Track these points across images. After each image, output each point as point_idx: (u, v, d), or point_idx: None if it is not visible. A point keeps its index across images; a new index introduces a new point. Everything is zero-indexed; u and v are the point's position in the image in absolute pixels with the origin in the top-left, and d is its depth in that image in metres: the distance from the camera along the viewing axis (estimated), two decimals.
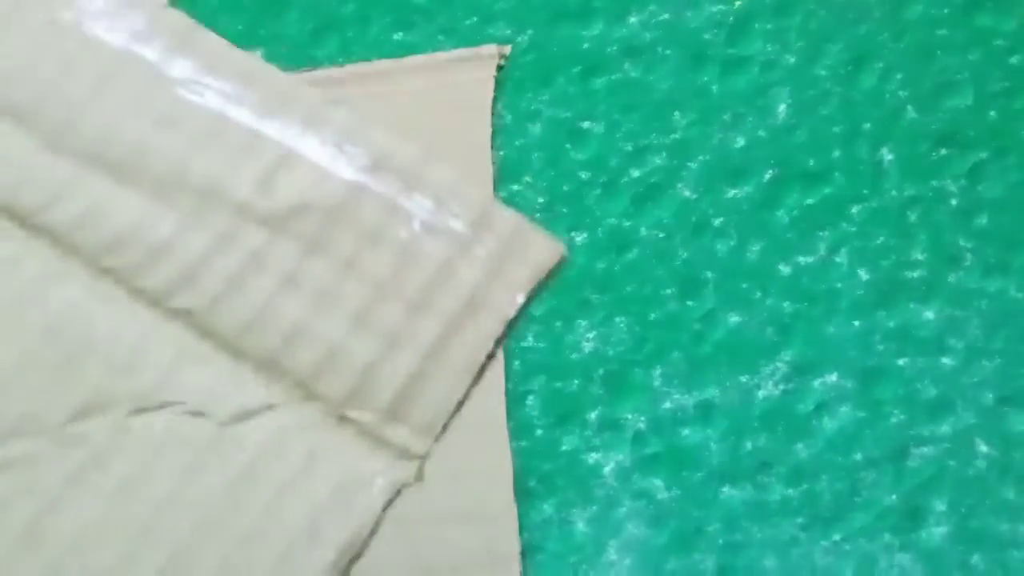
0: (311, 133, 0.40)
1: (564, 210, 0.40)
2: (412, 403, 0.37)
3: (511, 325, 0.38)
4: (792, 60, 0.42)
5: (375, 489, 0.36)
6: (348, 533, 0.35)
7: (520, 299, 0.38)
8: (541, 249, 0.39)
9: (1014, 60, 0.41)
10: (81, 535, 0.35)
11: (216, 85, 0.40)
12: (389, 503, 0.36)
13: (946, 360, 0.38)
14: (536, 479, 0.37)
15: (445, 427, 0.37)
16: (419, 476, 0.36)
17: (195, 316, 0.37)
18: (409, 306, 0.38)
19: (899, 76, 0.41)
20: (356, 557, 0.35)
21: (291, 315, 0.38)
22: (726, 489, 0.37)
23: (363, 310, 0.38)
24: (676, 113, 0.41)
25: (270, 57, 0.42)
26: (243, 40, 0.43)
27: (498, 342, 0.38)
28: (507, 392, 0.38)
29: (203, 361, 0.37)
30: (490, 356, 0.38)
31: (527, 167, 0.41)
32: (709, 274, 0.39)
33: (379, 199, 0.39)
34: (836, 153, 0.40)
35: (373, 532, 0.36)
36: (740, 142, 0.41)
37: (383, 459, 0.36)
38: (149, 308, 0.38)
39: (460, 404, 0.37)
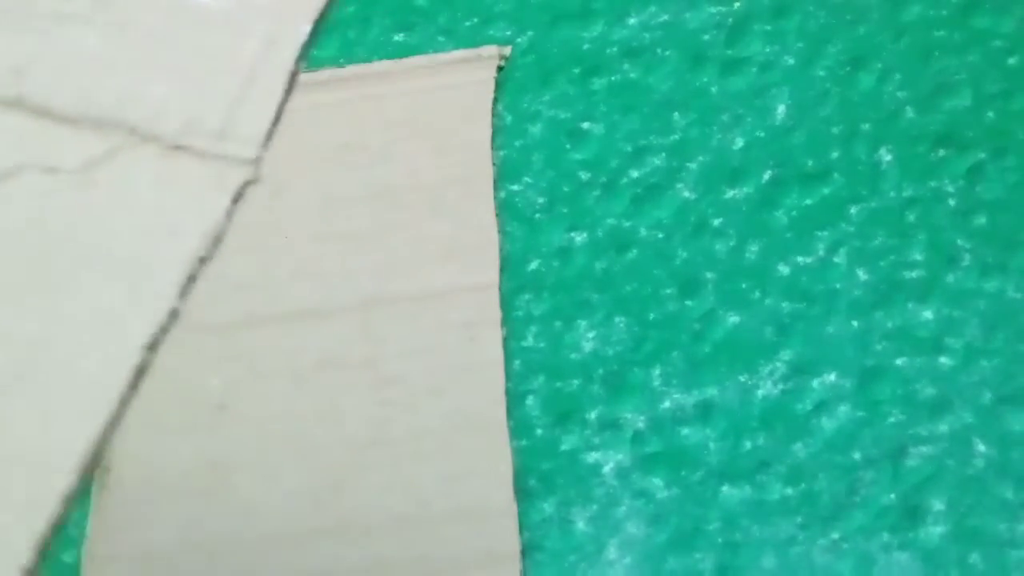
0: None
1: (564, 210, 0.40)
2: (237, 123, 0.40)
3: (313, 36, 0.41)
4: (791, 61, 0.42)
5: (220, 185, 0.39)
6: (205, 227, 0.38)
7: (306, 28, 0.42)
8: None
9: (1012, 61, 0.42)
10: None
11: None
12: (236, 199, 0.39)
13: (944, 360, 0.38)
14: (536, 478, 0.37)
15: (270, 135, 0.40)
16: (255, 176, 0.39)
17: (29, 101, 0.41)
18: (217, 52, 0.42)
19: (897, 77, 0.41)
20: (216, 241, 0.39)
21: (116, 84, 0.41)
22: (725, 488, 0.37)
23: (178, 64, 0.42)
24: (675, 114, 0.41)
25: None
26: None
27: (303, 51, 0.41)
28: (507, 392, 0.38)
29: (44, 132, 0.40)
30: (300, 62, 0.41)
31: (527, 167, 0.41)
32: (708, 274, 0.39)
33: None
34: (835, 154, 0.41)
35: (224, 229, 0.39)
36: (739, 143, 0.41)
37: (221, 166, 0.40)
38: None
39: (279, 114, 0.41)
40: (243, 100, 0.41)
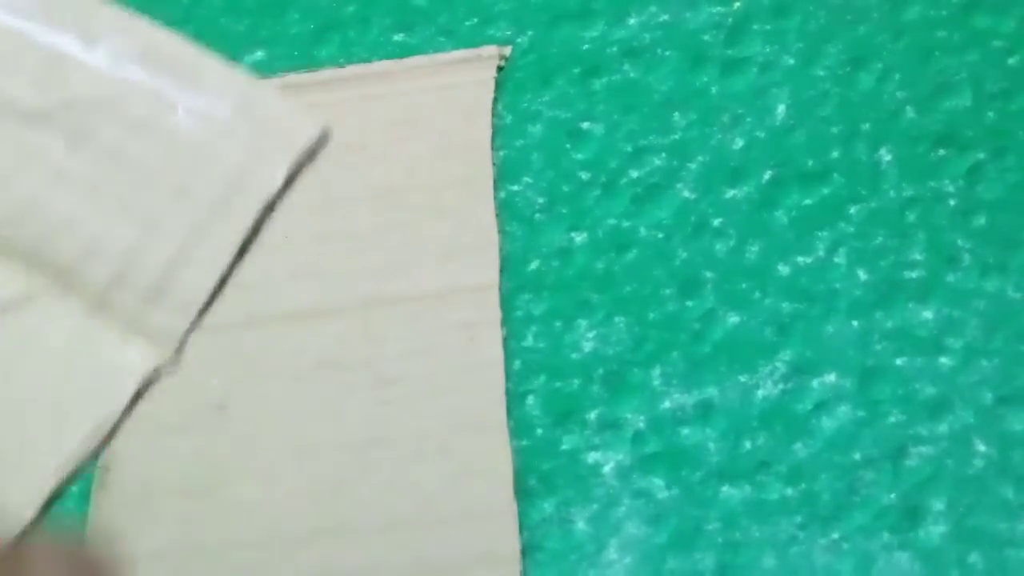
0: (78, 27, 0.40)
1: (564, 210, 0.40)
2: (173, 285, 0.38)
3: (272, 206, 0.39)
4: (791, 61, 0.42)
5: (131, 372, 0.37)
6: (99, 415, 0.36)
7: (278, 178, 0.39)
8: (300, 131, 0.40)
9: (1012, 61, 0.42)
10: None
11: None
12: (145, 385, 0.36)
13: (944, 360, 0.38)
14: (536, 478, 0.37)
15: (207, 307, 0.38)
16: (175, 361, 0.37)
17: None
18: (172, 192, 0.39)
19: (897, 77, 0.41)
20: (105, 441, 0.36)
21: (56, 207, 0.37)
22: (725, 488, 0.37)
23: (126, 199, 0.37)
24: (675, 114, 0.41)
25: (271, 58, 0.43)
26: (245, 41, 0.43)
27: (259, 223, 0.38)
28: (507, 392, 0.38)
29: None
30: (255, 232, 0.38)
31: (527, 167, 0.41)
32: (708, 274, 0.39)
33: (144, 90, 0.40)
34: (835, 154, 0.41)
35: (126, 415, 0.36)
36: (739, 143, 0.41)
37: (140, 343, 0.37)
38: None
39: (224, 281, 0.38)
40: (187, 256, 0.37)
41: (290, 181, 0.38)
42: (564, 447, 0.37)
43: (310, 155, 0.39)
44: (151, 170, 0.37)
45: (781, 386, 0.38)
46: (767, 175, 0.40)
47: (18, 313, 0.36)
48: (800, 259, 0.39)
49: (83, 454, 0.35)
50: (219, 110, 0.38)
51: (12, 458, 0.35)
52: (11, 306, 0.36)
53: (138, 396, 0.35)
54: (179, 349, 0.36)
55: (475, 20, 0.43)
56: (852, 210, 0.40)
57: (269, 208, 0.37)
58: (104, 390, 0.35)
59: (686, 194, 0.40)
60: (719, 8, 0.43)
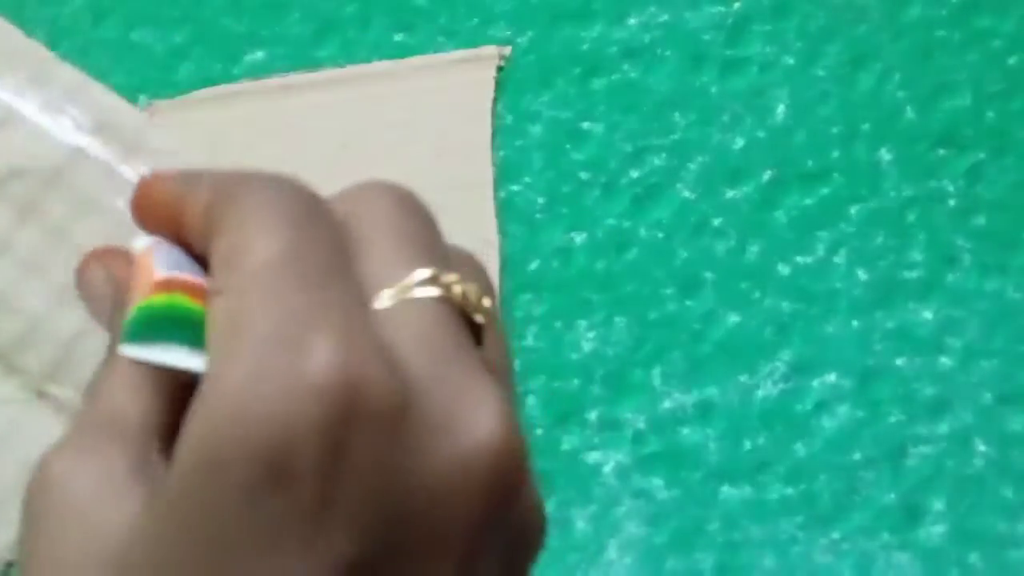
0: (33, 92, 0.39)
1: (564, 210, 0.40)
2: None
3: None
4: (791, 61, 0.42)
5: None
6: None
7: None
8: None
9: (1012, 61, 0.42)
10: None
11: None
12: None
13: (944, 360, 0.38)
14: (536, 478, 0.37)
15: None
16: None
17: None
18: None
19: (897, 77, 0.41)
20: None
21: (1, 279, 0.37)
22: (725, 488, 0.37)
23: (70, 282, 0.38)
24: (675, 114, 0.41)
25: (272, 58, 0.43)
26: (245, 41, 0.43)
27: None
28: None
29: None
30: None
31: (527, 167, 0.41)
32: (708, 274, 0.39)
33: (97, 165, 0.39)
34: (835, 154, 0.41)
35: None
36: (739, 143, 0.41)
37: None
38: None
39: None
40: None
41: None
42: (564, 447, 0.37)
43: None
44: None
45: (781, 386, 0.38)
46: (767, 175, 0.40)
47: None
48: (800, 259, 0.39)
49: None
50: None
51: None
52: None
53: None
54: None
55: (475, 20, 0.43)
56: (852, 210, 0.40)
57: None
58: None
59: (686, 194, 0.40)
60: (719, 8, 0.43)
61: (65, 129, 0.39)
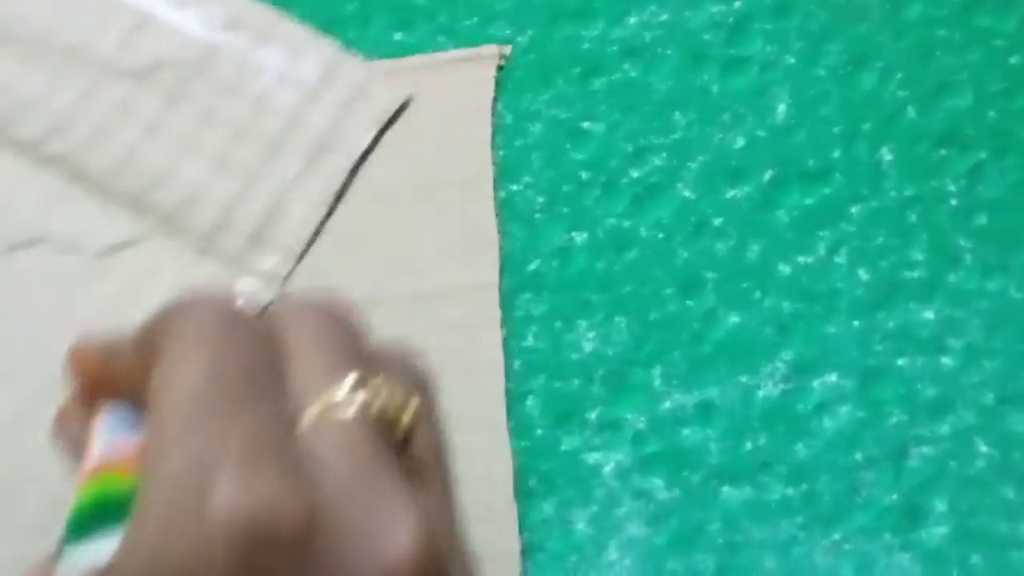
0: None
1: (564, 210, 0.40)
2: (273, 231, 0.39)
3: (361, 161, 0.40)
4: (792, 60, 0.42)
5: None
6: None
7: (368, 138, 0.41)
8: (385, 95, 0.41)
9: (1013, 60, 0.41)
10: None
11: None
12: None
13: (946, 360, 0.38)
14: (536, 479, 0.37)
15: (304, 252, 0.39)
16: (278, 299, 0.38)
17: (66, 161, 0.40)
18: (266, 148, 0.40)
19: (898, 76, 0.41)
20: None
21: (156, 159, 0.40)
22: (726, 489, 0.37)
23: (223, 153, 0.40)
24: (676, 113, 0.41)
25: None
26: None
27: (359, 162, 0.40)
28: (507, 392, 0.38)
29: (74, 202, 0.39)
30: (344, 186, 0.40)
31: (527, 167, 0.41)
32: (709, 274, 0.39)
33: (234, 55, 0.41)
34: (836, 153, 0.41)
35: None
36: (740, 142, 0.41)
37: (249, 282, 0.38)
38: (20, 156, 0.40)
39: (318, 231, 0.39)
40: (284, 207, 0.39)
41: (374, 144, 0.40)
42: (564, 447, 0.37)
43: (391, 121, 0.41)
44: (244, 128, 0.40)
45: (782, 386, 0.38)
46: (768, 175, 0.40)
47: (128, 253, 0.39)
48: (801, 259, 0.39)
49: None
50: (306, 76, 0.41)
51: None
52: (121, 247, 0.39)
53: None
54: (280, 291, 0.38)
55: (475, 19, 0.43)
56: (853, 210, 0.40)
57: (356, 169, 0.40)
58: None
59: (687, 194, 0.40)
60: (720, 7, 0.43)
61: (200, 26, 0.42)
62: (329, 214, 0.40)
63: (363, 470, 0.19)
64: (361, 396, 0.20)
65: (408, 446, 0.21)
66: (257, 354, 0.20)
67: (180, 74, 0.41)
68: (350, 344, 0.22)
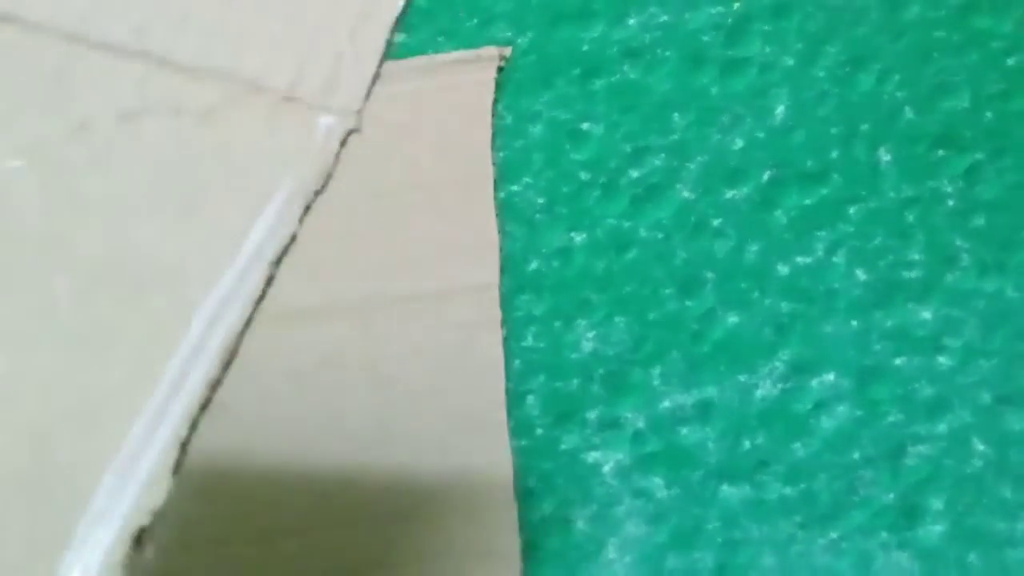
0: None
1: (564, 210, 0.40)
2: (343, 76, 0.39)
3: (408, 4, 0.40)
4: (790, 62, 0.42)
5: (328, 131, 0.38)
6: (317, 161, 0.38)
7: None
8: None
9: (1011, 62, 0.42)
10: (110, 197, 0.38)
11: None
12: (341, 144, 0.38)
13: (943, 360, 0.38)
14: (536, 478, 0.37)
15: (370, 91, 0.39)
16: (359, 124, 0.38)
17: (153, 55, 0.40)
18: (323, 11, 0.40)
19: (897, 78, 0.42)
20: (326, 178, 0.38)
21: (231, 37, 0.40)
22: (725, 487, 0.37)
23: (290, 15, 0.40)
24: (675, 114, 0.41)
25: None
26: None
27: (401, 14, 0.40)
28: (507, 392, 0.38)
29: (166, 81, 0.40)
30: (396, 27, 0.40)
31: (527, 168, 0.41)
32: (708, 274, 0.39)
33: None
34: (834, 154, 0.41)
35: (335, 163, 0.38)
36: (739, 143, 0.41)
37: (330, 118, 0.38)
38: (113, 55, 0.40)
39: (378, 73, 0.40)
40: (345, 57, 0.40)
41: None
42: (564, 447, 0.37)
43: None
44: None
45: (780, 386, 0.38)
46: (766, 175, 0.41)
47: (222, 111, 0.39)
48: (799, 259, 0.39)
49: (312, 184, 0.37)
50: None
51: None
52: (215, 108, 0.39)
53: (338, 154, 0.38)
54: (359, 120, 0.38)
55: (475, 21, 0.43)
56: (851, 210, 0.40)
57: (399, 22, 0.39)
58: (312, 143, 0.38)
59: (686, 194, 0.40)
60: (719, 8, 0.43)
61: None
62: (388, 48, 0.41)
63: None
64: None
65: None
66: None
67: None
68: None
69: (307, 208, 0.39)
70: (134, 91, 0.41)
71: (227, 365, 0.37)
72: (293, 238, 0.38)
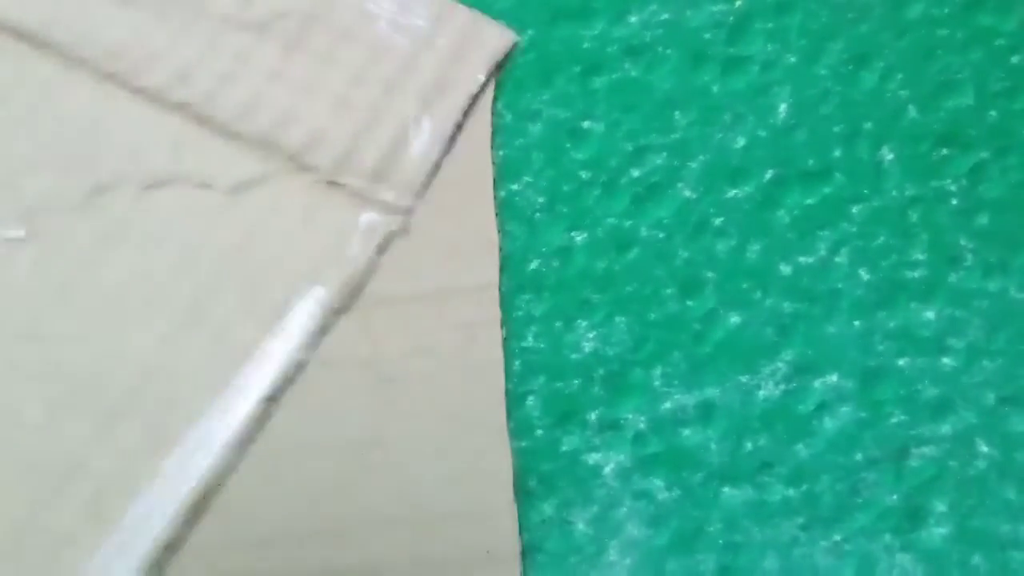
0: None
1: (564, 210, 0.40)
2: (394, 167, 0.40)
3: (474, 100, 0.41)
4: (793, 59, 0.42)
5: (367, 234, 0.39)
6: (346, 274, 0.39)
7: (481, 77, 0.41)
8: (495, 37, 0.42)
9: (1015, 59, 0.41)
10: (110, 288, 0.39)
11: None
12: (381, 247, 0.39)
13: (947, 360, 0.38)
14: (536, 479, 0.37)
15: (425, 187, 0.40)
16: (405, 226, 0.39)
17: (192, 107, 0.41)
18: (385, 88, 0.41)
19: (900, 75, 0.41)
20: (354, 293, 0.39)
21: (279, 102, 0.41)
22: (726, 489, 0.37)
23: (343, 94, 0.42)
24: (676, 113, 0.41)
25: None
26: None
27: (474, 100, 0.41)
28: (507, 392, 0.38)
29: (203, 144, 0.41)
30: (458, 126, 0.41)
31: (527, 167, 0.41)
32: (709, 274, 0.39)
33: (348, 4, 0.43)
34: (836, 153, 0.40)
35: (368, 274, 0.39)
36: (740, 142, 0.41)
37: (373, 213, 0.40)
38: (150, 103, 0.41)
39: (437, 166, 0.41)
40: (404, 143, 0.40)
41: (486, 85, 0.41)
42: (564, 448, 0.37)
43: (507, 58, 0.42)
44: (362, 70, 0.41)
45: (783, 386, 0.38)
46: (768, 174, 0.40)
47: (256, 189, 0.40)
48: (802, 259, 0.39)
49: (336, 302, 0.39)
50: (418, 23, 0.42)
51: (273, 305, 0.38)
52: (249, 184, 0.40)
53: (374, 261, 0.39)
54: (406, 221, 0.39)
55: None
56: (854, 209, 0.40)
57: (471, 107, 0.41)
58: (347, 247, 0.39)
59: (687, 193, 0.40)
60: (720, 6, 0.43)
61: None
62: (447, 151, 0.41)
63: None
64: None
65: None
66: None
67: (298, 23, 0.42)
68: None
69: (323, 330, 0.38)
70: (167, 151, 0.41)
71: (200, 510, 0.36)
72: (301, 366, 0.38)
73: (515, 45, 0.42)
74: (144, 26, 0.42)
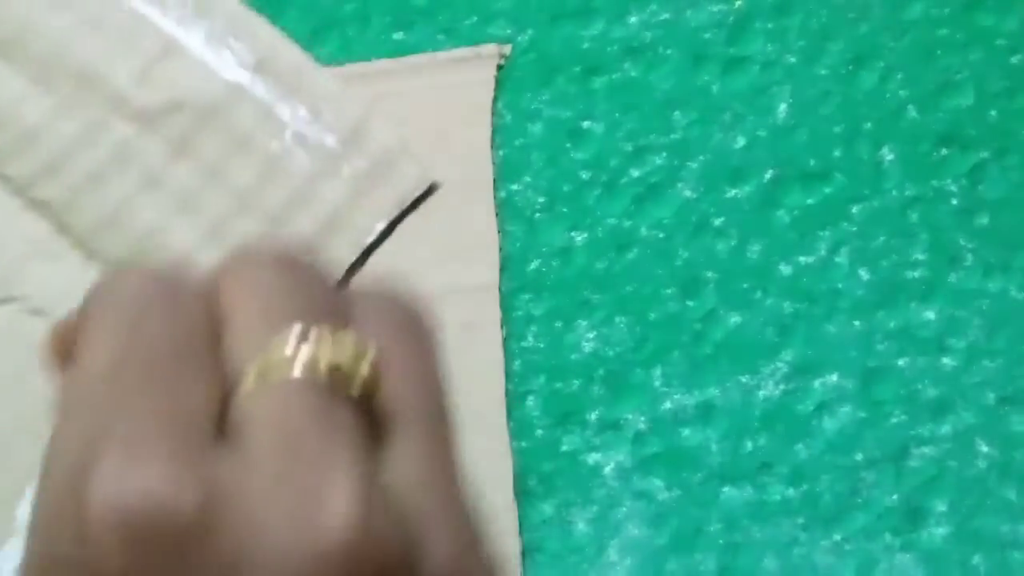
0: (198, 23, 0.39)
1: (564, 210, 0.40)
2: None
3: (367, 252, 0.38)
4: (792, 60, 0.42)
5: None
6: None
7: (380, 225, 0.38)
8: (408, 177, 0.39)
9: (1015, 60, 0.41)
10: None
11: None
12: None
13: (947, 360, 0.38)
14: (536, 479, 0.37)
15: None
16: None
17: (54, 208, 0.38)
18: (267, 220, 0.38)
19: (900, 76, 0.41)
20: None
21: (148, 218, 0.38)
22: (726, 489, 0.37)
23: (220, 221, 0.38)
24: (676, 113, 0.41)
25: None
26: None
27: (351, 270, 0.37)
28: (507, 392, 0.38)
29: (55, 257, 0.37)
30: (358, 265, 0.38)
31: (527, 167, 0.41)
32: (709, 274, 0.39)
33: (255, 104, 0.39)
34: (836, 153, 0.40)
35: None
36: (740, 142, 0.41)
37: None
38: (12, 196, 0.38)
39: None
40: None
41: (389, 230, 0.37)
42: (564, 448, 0.37)
43: (416, 204, 0.38)
44: (248, 194, 0.37)
45: (783, 387, 0.38)
46: (768, 174, 0.40)
47: None
48: (802, 259, 0.39)
49: None
50: (328, 141, 0.38)
51: None
52: None
53: None
54: None
55: (475, 19, 0.43)
56: (854, 210, 0.40)
57: (363, 258, 0.37)
58: None
59: (687, 193, 0.40)
60: (720, 6, 0.43)
61: (226, 64, 0.39)
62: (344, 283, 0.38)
63: (297, 441, 0.17)
64: (306, 350, 0.18)
65: (373, 399, 0.19)
66: (186, 325, 0.18)
67: (192, 119, 0.38)
68: (296, 291, 0.19)
69: None
70: (13, 260, 0.36)
71: None
72: None
73: (430, 187, 0.39)
74: (24, 95, 0.39)
